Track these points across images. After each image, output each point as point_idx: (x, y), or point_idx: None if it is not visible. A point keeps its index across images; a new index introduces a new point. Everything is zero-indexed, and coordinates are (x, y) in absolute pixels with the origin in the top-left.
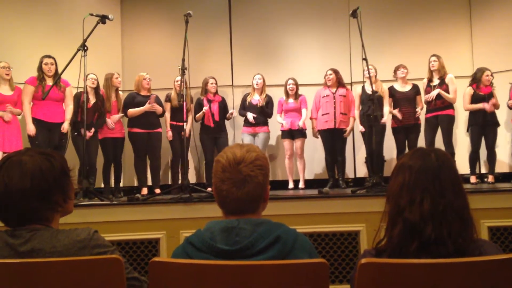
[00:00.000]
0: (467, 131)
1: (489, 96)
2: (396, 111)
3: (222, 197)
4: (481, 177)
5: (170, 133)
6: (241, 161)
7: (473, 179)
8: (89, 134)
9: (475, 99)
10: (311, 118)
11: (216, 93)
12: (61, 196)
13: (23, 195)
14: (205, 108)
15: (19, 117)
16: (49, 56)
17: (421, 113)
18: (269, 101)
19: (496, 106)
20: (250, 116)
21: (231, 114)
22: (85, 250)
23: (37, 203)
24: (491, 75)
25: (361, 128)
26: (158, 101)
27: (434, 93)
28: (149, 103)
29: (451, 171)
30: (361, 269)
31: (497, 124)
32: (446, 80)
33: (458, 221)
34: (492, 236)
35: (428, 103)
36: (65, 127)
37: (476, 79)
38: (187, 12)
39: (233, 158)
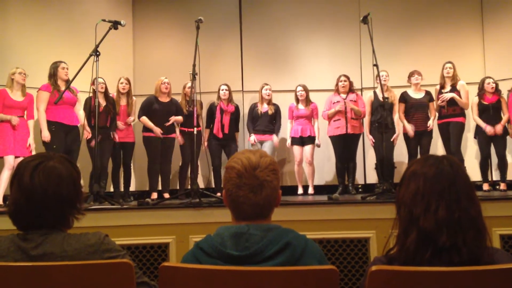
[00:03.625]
0: (475, 137)
1: (493, 106)
2: (409, 128)
3: (238, 203)
4: (493, 185)
5: (180, 138)
6: (257, 167)
7: (485, 186)
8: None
9: (481, 108)
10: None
11: (230, 101)
12: (80, 202)
13: (59, 201)
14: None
15: (31, 122)
16: (64, 62)
17: (433, 124)
18: (277, 110)
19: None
20: (252, 139)
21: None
22: (96, 254)
23: (67, 209)
24: (493, 82)
25: (371, 138)
26: (177, 105)
27: (448, 95)
28: (161, 133)
29: (465, 178)
30: (371, 277)
31: (505, 132)
32: (458, 87)
33: (473, 228)
34: (504, 244)
35: (440, 110)
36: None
37: (480, 88)
38: (198, 18)
39: (249, 163)
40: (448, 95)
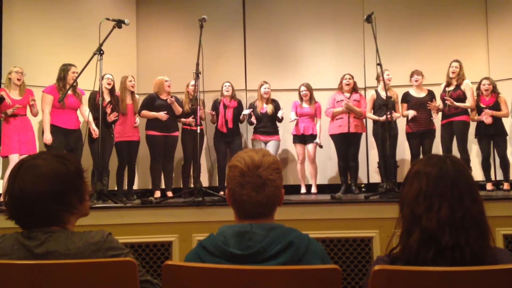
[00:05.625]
0: (475, 137)
1: (491, 108)
2: (409, 112)
3: (241, 201)
4: (497, 184)
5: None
6: (259, 165)
7: (489, 186)
8: (113, 116)
9: (479, 111)
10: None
11: (233, 97)
12: (76, 198)
13: (39, 198)
14: (213, 117)
15: (35, 120)
16: (75, 65)
17: (437, 116)
18: (276, 107)
19: (505, 115)
20: (247, 111)
21: (244, 116)
22: (99, 252)
23: (52, 205)
24: (489, 84)
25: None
26: (177, 101)
27: (453, 104)
28: (164, 113)
29: (467, 177)
30: (374, 276)
31: (505, 134)
32: (462, 87)
33: (476, 228)
34: (508, 244)
35: (442, 109)
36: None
37: (477, 88)
38: (202, 17)
39: (252, 162)
40: (453, 104)
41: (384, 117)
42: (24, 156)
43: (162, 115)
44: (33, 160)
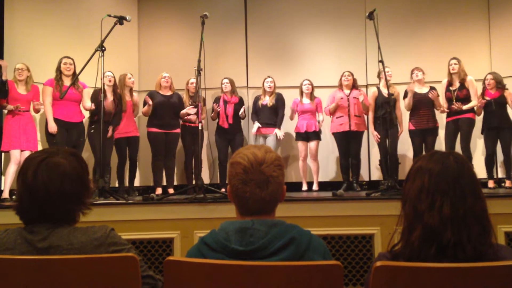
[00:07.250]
0: (482, 133)
1: (496, 100)
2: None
3: (244, 198)
4: (498, 182)
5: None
6: (263, 162)
7: (491, 183)
8: (108, 134)
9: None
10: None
11: (234, 93)
12: (88, 197)
13: (62, 198)
14: (218, 108)
15: (37, 115)
16: (68, 57)
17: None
18: (278, 100)
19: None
20: (255, 127)
21: (242, 113)
22: (102, 247)
23: (73, 205)
24: (492, 79)
25: (376, 134)
26: (179, 99)
27: (461, 107)
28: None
29: (470, 174)
30: (376, 272)
31: (511, 127)
32: (466, 84)
33: (478, 225)
34: (510, 242)
35: (448, 107)
36: (91, 107)
37: (483, 83)
38: (203, 13)
39: (255, 159)
40: (461, 108)
41: (376, 137)
42: (25, 152)
43: (147, 99)
44: (52, 157)
